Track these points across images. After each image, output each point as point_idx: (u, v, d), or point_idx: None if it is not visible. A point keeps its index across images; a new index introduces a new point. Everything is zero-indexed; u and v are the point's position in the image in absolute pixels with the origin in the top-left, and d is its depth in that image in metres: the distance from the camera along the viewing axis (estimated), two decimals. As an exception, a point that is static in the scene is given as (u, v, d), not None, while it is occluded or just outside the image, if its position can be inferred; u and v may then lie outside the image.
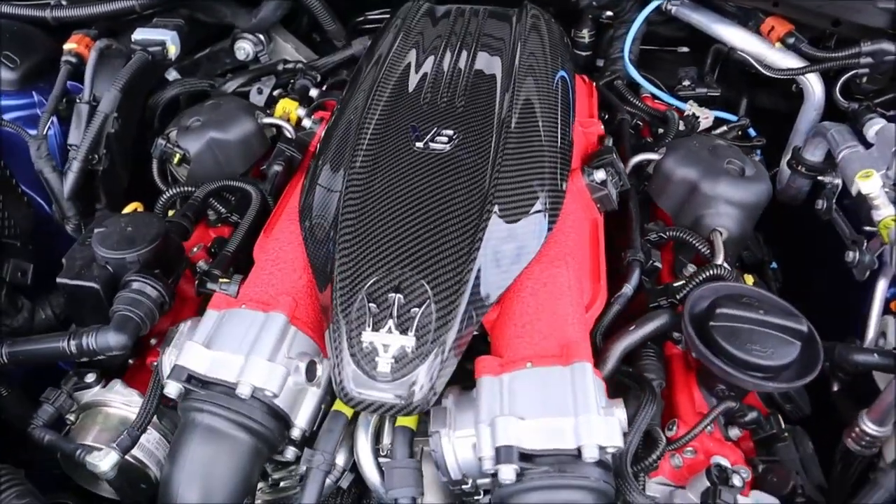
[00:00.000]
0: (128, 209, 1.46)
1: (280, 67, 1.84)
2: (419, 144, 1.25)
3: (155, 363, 1.25)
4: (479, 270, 1.07)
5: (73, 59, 1.62)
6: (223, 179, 1.47)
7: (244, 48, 1.93)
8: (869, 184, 1.32)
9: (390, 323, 1.01)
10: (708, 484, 1.08)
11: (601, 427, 0.96)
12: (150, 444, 1.19)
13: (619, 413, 1.01)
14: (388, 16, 2.03)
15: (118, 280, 1.18)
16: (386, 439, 1.10)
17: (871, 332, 1.40)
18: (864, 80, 1.66)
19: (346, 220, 1.13)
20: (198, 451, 1.01)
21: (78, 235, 1.58)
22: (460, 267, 1.06)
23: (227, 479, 1.01)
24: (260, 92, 1.86)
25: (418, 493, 1.03)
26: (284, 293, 1.14)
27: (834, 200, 1.61)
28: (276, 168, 1.43)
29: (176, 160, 1.54)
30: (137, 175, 1.73)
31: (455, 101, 1.34)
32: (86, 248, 1.22)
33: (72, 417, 1.23)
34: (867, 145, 1.48)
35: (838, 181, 1.59)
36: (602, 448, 0.95)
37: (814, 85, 1.75)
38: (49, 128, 1.59)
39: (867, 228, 1.42)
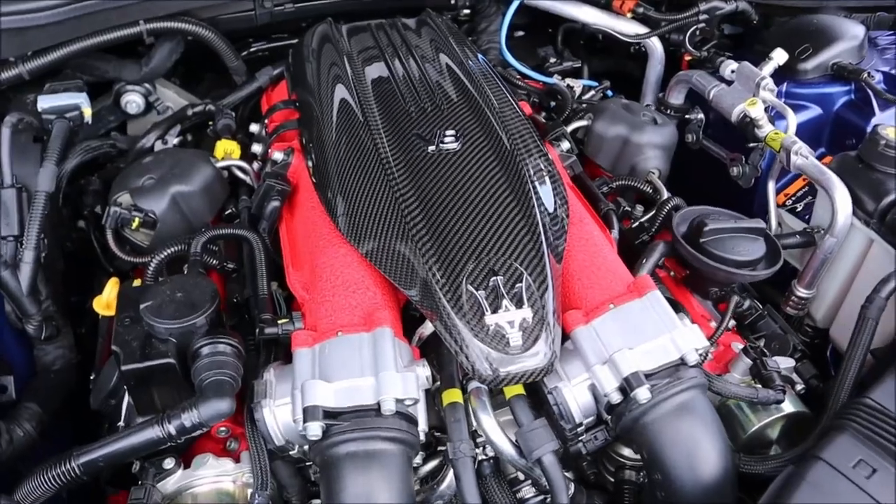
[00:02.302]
0: (107, 289, 1.33)
1: (189, 112, 1.75)
2: (431, 148, 1.33)
3: (222, 429, 1.20)
4: (545, 238, 1.20)
5: (-28, 143, 1.42)
6: (211, 230, 1.40)
7: (134, 101, 1.80)
8: (755, 109, 1.66)
9: (505, 302, 1.10)
10: (743, 364, 1.33)
11: (691, 336, 1.15)
12: (263, 504, 1.14)
13: (688, 321, 1.20)
14: (265, 45, 2.03)
15: (185, 350, 1.11)
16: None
17: (773, 224, 1.77)
18: (698, 34, 2.05)
19: (418, 231, 1.19)
20: (359, 480, 1.02)
21: (40, 335, 1.40)
22: (533, 239, 1.18)
23: (394, 497, 1.03)
24: (165, 143, 1.76)
25: (556, 444, 1.12)
26: (377, 309, 1.16)
27: (700, 132, 1.98)
28: (275, 204, 1.40)
29: (135, 225, 1.43)
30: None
31: (437, 102, 1.44)
32: (129, 329, 1.12)
33: (159, 514, 1.13)
34: (727, 83, 1.84)
35: (701, 116, 1.96)
36: (696, 350, 1.14)
37: (656, 45, 2.11)
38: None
39: (751, 145, 1.77)
